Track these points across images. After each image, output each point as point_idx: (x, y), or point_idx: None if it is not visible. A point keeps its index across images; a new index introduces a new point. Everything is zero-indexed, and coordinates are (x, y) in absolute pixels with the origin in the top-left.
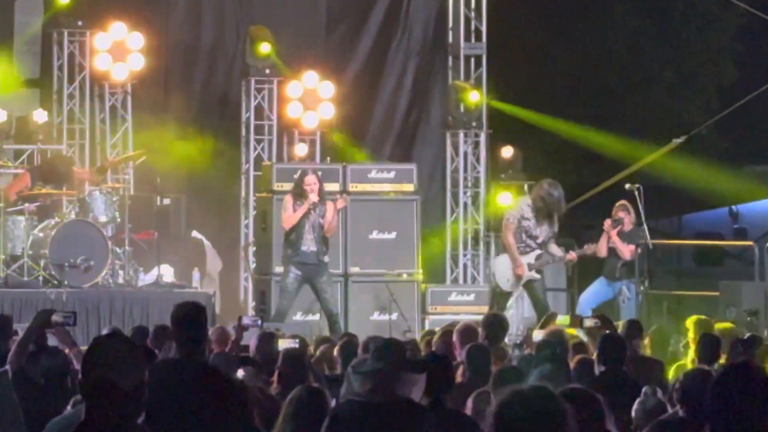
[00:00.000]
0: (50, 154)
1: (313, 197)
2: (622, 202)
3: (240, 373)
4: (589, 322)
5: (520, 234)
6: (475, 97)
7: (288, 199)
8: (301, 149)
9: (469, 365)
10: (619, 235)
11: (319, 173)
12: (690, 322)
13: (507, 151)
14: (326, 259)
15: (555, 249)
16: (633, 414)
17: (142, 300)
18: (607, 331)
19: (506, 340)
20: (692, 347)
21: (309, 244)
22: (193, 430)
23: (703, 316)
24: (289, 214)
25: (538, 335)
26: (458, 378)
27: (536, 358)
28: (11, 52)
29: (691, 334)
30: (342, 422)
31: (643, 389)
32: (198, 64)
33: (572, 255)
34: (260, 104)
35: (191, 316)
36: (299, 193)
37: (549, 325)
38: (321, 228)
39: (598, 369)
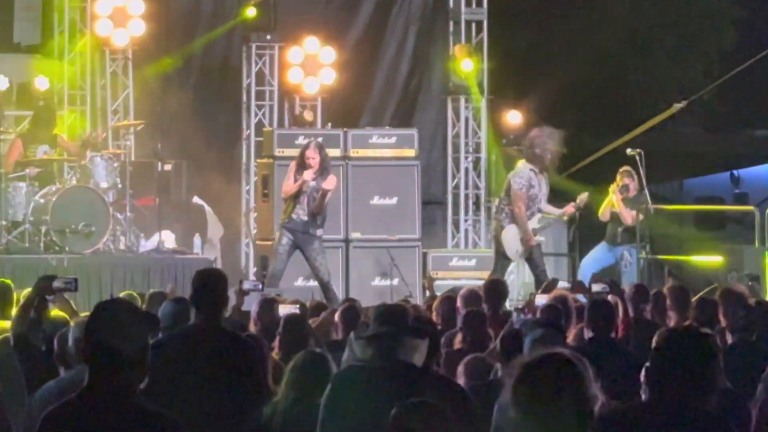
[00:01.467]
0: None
1: (308, 175)
2: (626, 168)
3: None
4: (597, 287)
5: (528, 202)
6: (468, 65)
7: (291, 168)
8: (307, 115)
9: (467, 331)
10: (623, 201)
11: (320, 140)
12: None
13: (514, 117)
14: (318, 232)
15: (550, 207)
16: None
17: (143, 266)
18: (598, 298)
19: (507, 305)
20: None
21: (300, 214)
22: (214, 393)
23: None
24: (288, 184)
25: (540, 300)
26: (457, 345)
27: (532, 323)
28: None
29: (668, 302)
30: (344, 387)
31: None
32: (199, 29)
33: (569, 209)
34: (261, 70)
35: (211, 282)
36: (302, 164)
37: (552, 290)
38: (314, 200)
39: (586, 334)
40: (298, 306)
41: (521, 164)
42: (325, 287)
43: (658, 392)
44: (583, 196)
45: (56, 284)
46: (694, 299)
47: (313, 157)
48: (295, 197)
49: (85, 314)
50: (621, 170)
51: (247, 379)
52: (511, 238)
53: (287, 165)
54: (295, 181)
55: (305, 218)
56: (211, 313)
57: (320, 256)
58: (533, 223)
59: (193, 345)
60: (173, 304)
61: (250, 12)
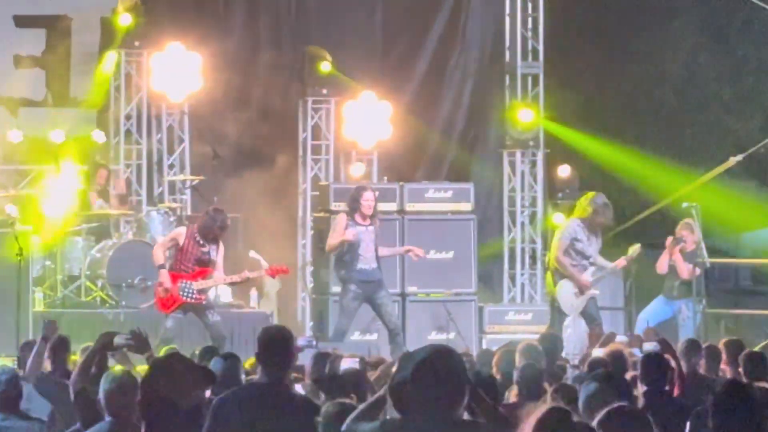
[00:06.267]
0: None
1: (350, 234)
2: (687, 221)
3: (298, 389)
4: (648, 346)
5: (574, 255)
6: (526, 116)
7: (341, 218)
8: (358, 168)
9: (522, 385)
10: (680, 254)
11: (377, 192)
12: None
13: (564, 171)
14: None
15: (602, 260)
16: None
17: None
18: (650, 352)
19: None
20: (725, 368)
21: (369, 262)
22: None
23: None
24: (336, 236)
25: (596, 354)
26: (513, 398)
27: (586, 376)
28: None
29: (724, 356)
30: None
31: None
32: (255, 84)
33: (621, 262)
34: (317, 124)
35: (277, 340)
36: (354, 209)
37: (609, 345)
38: (377, 247)
39: (640, 388)
40: (357, 360)
41: (569, 220)
42: (395, 332)
43: None
44: (635, 248)
45: (118, 341)
46: (743, 353)
47: (372, 200)
48: (355, 249)
49: (142, 368)
50: (681, 222)
51: None
52: (565, 292)
53: None
54: (345, 230)
55: (374, 264)
56: (273, 372)
57: (390, 301)
58: (587, 276)
59: (259, 404)
60: (223, 360)
61: (325, 67)
